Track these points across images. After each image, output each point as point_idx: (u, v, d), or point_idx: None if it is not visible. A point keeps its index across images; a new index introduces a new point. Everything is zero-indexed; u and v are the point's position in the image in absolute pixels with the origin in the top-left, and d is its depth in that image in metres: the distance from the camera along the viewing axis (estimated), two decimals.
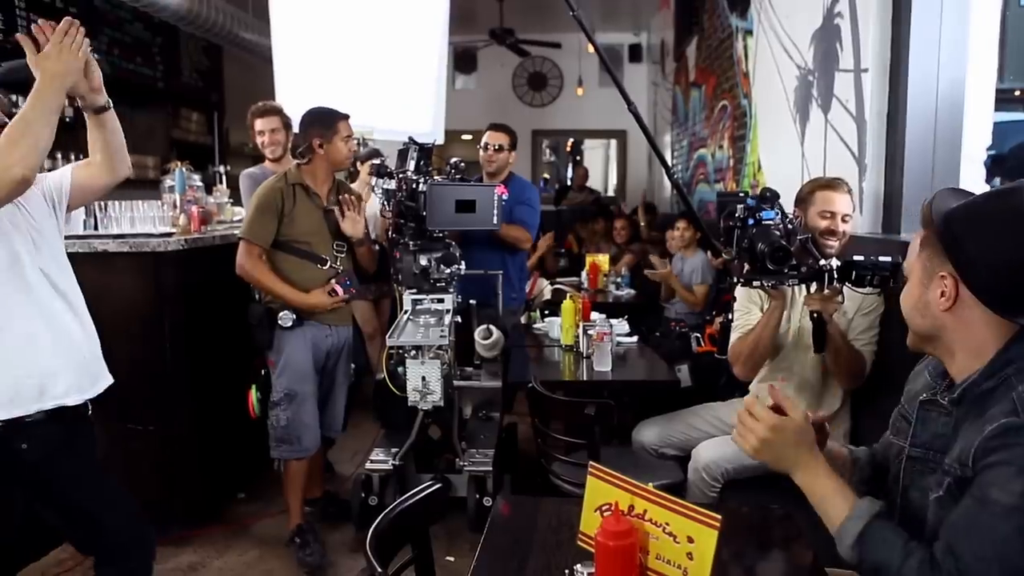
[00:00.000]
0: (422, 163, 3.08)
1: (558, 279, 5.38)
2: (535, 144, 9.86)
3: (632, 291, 5.27)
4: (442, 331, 2.80)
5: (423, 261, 2.99)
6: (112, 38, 6.14)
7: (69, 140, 2.43)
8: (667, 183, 7.95)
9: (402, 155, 3.13)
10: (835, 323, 2.27)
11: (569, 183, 9.74)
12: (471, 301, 3.41)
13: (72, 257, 2.15)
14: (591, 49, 8.92)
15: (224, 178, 4.59)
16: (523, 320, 3.89)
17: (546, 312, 3.93)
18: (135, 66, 6.45)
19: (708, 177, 6.00)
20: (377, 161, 3.62)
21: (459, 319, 3.21)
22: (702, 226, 4.63)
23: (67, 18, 1.70)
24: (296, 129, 3.11)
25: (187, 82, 7.31)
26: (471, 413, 3.49)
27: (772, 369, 2.52)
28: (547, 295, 4.60)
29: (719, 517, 1.01)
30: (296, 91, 4.45)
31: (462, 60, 9.55)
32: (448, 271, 3.01)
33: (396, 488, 3.00)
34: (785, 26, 3.88)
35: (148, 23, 6.43)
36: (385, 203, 3.14)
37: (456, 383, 3.26)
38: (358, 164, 4.16)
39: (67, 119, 2.05)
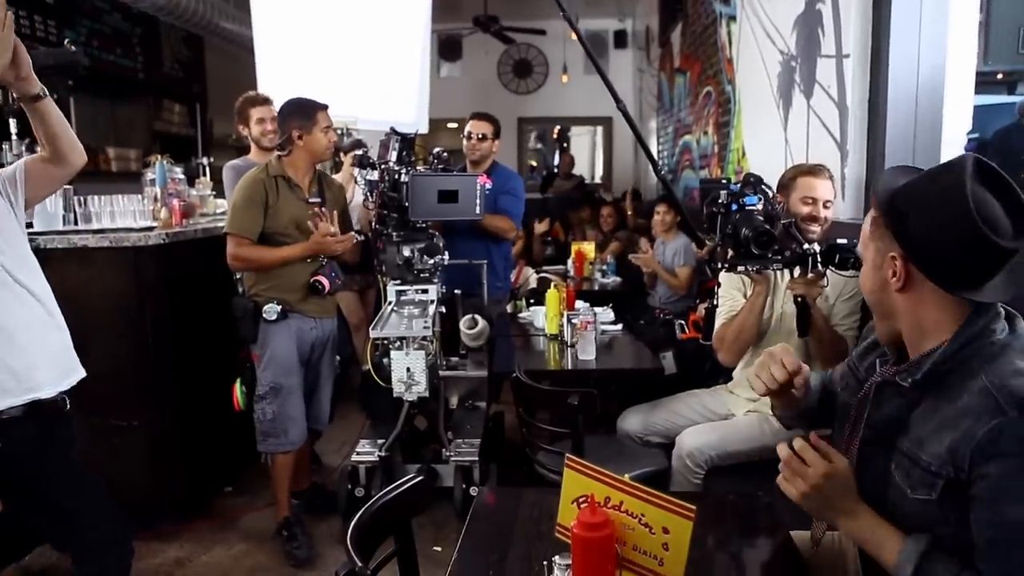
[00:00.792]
0: (404, 153, 3.07)
1: (544, 267, 5.39)
2: (521, 132, 9.83)
3: (618, 279, 5.28)
4: (426, 322, 2.79)
5: (406, 252, 2.99)
6: (91, 29, 6.05)
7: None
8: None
9: (384, 146, 3.11)
10: (818, 308, 2.28)
11: (556, 170, 9.71)
12: (456, 291, 3.41)
13: (52, 252, 2.16)
14: (575, 37, 8.88)
15: (207, 170, 4.54)
16: (508, 309, 3.90)
17: (531, 301, 3.93)
18: (115, 57, 6.37)
19: (693, 163, 6.01)
20: (360, 152, 3.61)
21: (444, 309, 3.21)
22: (682, 209, 4.65)
23: None
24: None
25: (168, 73, 7.23)
26: (457, 403, 3.49)
27: (756, 355, 2.54)
28: (533, 283, 4.61)
29: (694, 508, 1.02)
30: (278, 81, 4.40)
31: (446, 48, 9.50)
32: (432, 262, 3.00)
33: (383, 479, 3.01)
34: (768, 12, 3.88)
35: (127, 13, 6.34)
36: (368, 194, 3.13)
37: (442, 373, 3.26)
38: (341, 155, 4.14)
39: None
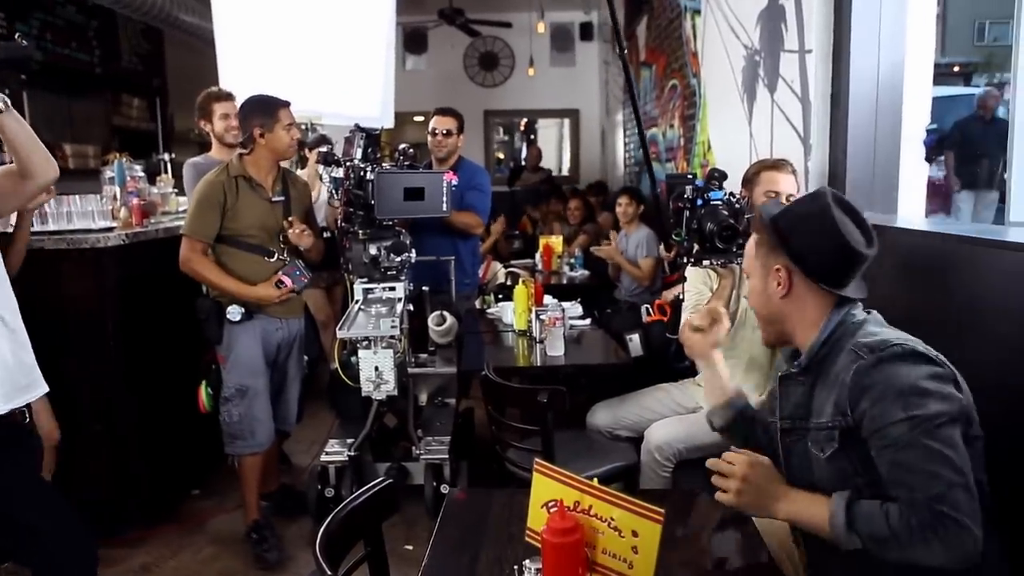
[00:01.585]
0: (370, 150, 3.04)
1: (512, 262, 5.38)
2: (487, 125, 9.79)
3: (586, 272, 5.30)
4: (393, 322, 2.77)
5: (373, 250, 2.96)
6: (44, 21, 5.89)
7: None
8: (620, 162, 7.99)
9: (349, 142, 3.07)
10: None
11: (523, 163, 9.70)
12: (424, 287, 3.39)
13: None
14: (541, 28, 8.86)
15: (169, 166, 4.46)
16: (477, 305, 3.89)
17: (500, 296, 3.92)
18: (70, 51, 6.21)
19: (660, 156, 6.03)
20: (325, 149, 3.56)
21: (412, 307, 3.19)
22: (645, 200, 4.68)
23: None
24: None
25: (127, 67, 7.07)
26: (426, 400, 3.48)
27: (720, 348, 2.57)
28: (501, 278, 4.59)
29: (662, 512, 1.03)
30: (241, 76, 4.32)
31: (412, 41, 9.41)
32: (399, 259, 2.98)
33: (353, 479, 2.99)
34: (732, 6, 3.90)
35: (81, 6, 6.19)
36: (334, 192, 3.09)
37: (410, 370, 3.24)
38: (306, 151, 4.08)
39: None
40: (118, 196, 3.25)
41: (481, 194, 3.68)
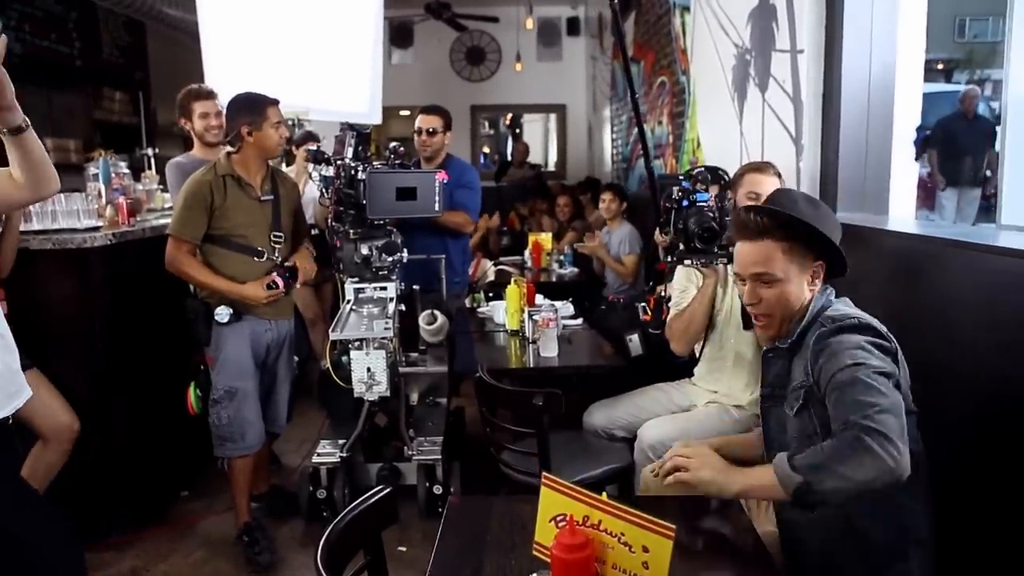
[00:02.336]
0: (360, 149, 3.01)
1: (501, 259, 5.37)
2: (474, 120, 9.75)
3: (575, 269, 5.29)
4: (387, 323, 2.75)
5: (364, 250, 2.94)
6: (22, 13, 5.78)
7: None
8: (608, 158, 7.98)
9: (340, 141, 3.04)
10: None
11: (509, 158, 9.66)
12: (414, 286, 3.37)
13: None
14: (530, 24, 8.82)
15: (153, 162, 4.40)
16: (467, 303, 3.87)
17: (490, 294, 3.91)
18: (49, 43, 6.10)
19: (648, 153, 6.02)
20: (313, 146, 3.52)
21: (403, 307, 3.17)
22: (628, 197, 4.68)
23: None
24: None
25: (108, 59, 6.95)
26: (418, 399, 3.46)
27: (709, 346, 2.59)
28: (491, 276, 4.58)
29: (673, 527, 1.02)
30: (226, 72, 4.26)
31: (398, 34, 9.33)
32: (391, 259, 2.96)
33: (344, 480, 2.97)
34: (722, 4, 3.90)
35: None
36: (324, 190, 3.06)
37: (401, 369, 3.22)
38: (293, 148, 4.04)
39: None
40: (103, 194, 3.19)
41: (471, 192, 3.65)
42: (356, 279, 2.99)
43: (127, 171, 3.53)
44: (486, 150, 11.20)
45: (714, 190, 2.59)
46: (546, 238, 5.42)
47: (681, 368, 2.80)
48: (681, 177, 2.62)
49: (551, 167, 10.19)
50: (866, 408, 1.32)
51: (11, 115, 1.59)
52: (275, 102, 2.79)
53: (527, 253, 5.38)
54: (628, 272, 4.62)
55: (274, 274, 2.74)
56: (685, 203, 2.44)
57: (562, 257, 5.34)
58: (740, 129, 3.65)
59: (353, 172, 2.89)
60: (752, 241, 1.59)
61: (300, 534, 2.97)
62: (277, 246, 2.81)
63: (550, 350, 2.92)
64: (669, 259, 2.52)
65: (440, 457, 2.99)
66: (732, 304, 2.51)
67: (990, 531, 1.78)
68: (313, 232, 3.43)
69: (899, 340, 1.54)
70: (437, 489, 2.96)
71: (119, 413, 2.91)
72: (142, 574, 2.73)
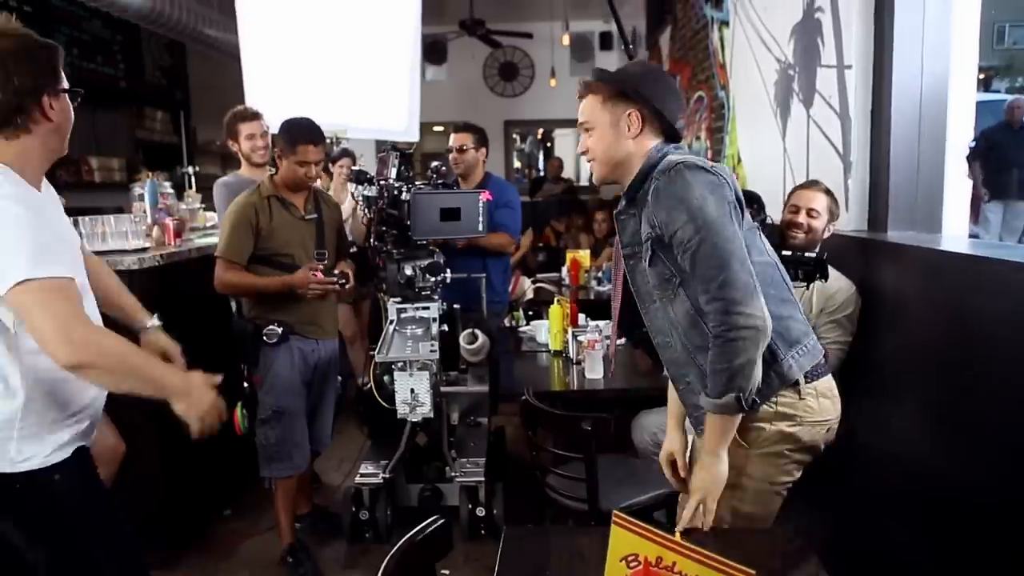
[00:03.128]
0: (403, 168, 3.01)
1: (538, 275, 5.34)
2: (507, 135, 9.78)
3: None
4: (432, 345, 2.74)
5: (408, 271, 2.93)
6: (70, 36, 5.94)
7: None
8: None
9: (383, 162, 3.05)
10: None
11: (543, 174, 9.67)
12: (455, 305, 3.36)
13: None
14: (566, 41, 8.82)
15: (193, 180, 4.46)
16: (507, 322, 3.84)
17: (530, 313, 3.88)
18: (96, 65, 6.26)
19: None
20: (353, 164, 3.54)
21: (445, 326, 3.16)
22: None
23: None
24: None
25: (150, 80, 7.12)
26: (458, 419, 3.44)
27: None
28: (530, 294, 4.55)
29: (753, 573, 0.98)
30: (266, 90, 4.32)
31: (432, 51, 9.42)
32: (434, 280, 2.95)
33: (387, 500, 2.96)
34: (763, 19, 3.85)
35: (107, 20, 6.23)
36: (365, 210, 3.07)
37: (443, 389, 3.21)
38: (330, 165, 4.07)
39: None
40: (149, 215, 3.24)
41: (512, 212, 3.63)
42: (399, 299, 2.99)
43: (171, 191, 3.58)
44: (517, 164, 11.23)
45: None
46: (584, 255, 5.38)
47: None
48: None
49: (583, 181, 10.18)
50: (711, 284, 1.49)
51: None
52: (309, 141, 2.71)
53: (565, 270, 5.34)
54: None
55: (314, 261, 2.76)
56: None
57: (600, 274, 5.29)
58: (783, 145, 3.60)
59: (396, 192, 2.90)
60: (581, 98, 1.79)
61: (343, 556, 2.96)
62: (322, 263, 2.81)
63: (596, 372, 2.88)
64: None
65: (483, 479, 2.96)
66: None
67: None
68: (353, 250, 3.44)
69: (958, 365, 1.48)
70: (480, 511, 2.94)
71: (166, 432, 2.92)
72: None
